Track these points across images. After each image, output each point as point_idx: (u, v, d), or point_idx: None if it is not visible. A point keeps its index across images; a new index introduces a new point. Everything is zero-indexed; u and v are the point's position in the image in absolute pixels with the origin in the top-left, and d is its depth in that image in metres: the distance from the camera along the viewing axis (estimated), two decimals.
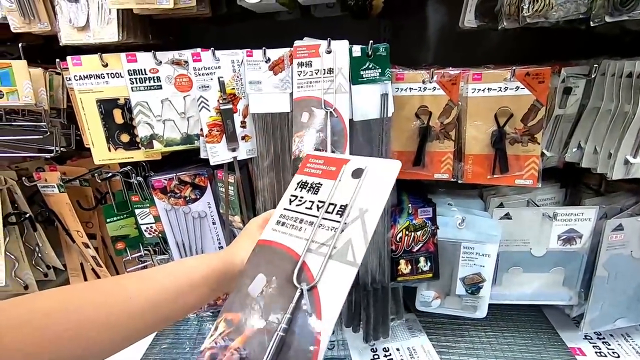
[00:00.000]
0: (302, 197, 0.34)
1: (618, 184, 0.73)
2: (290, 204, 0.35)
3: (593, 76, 0.60)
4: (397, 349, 0.73)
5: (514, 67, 0.58)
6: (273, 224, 0.34)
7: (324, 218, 0.31)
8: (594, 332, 0.74)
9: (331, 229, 0.30)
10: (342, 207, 0.31)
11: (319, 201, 0.33)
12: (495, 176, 0.64)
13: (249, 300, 0.30)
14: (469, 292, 0.69)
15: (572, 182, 0.80)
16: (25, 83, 0.65)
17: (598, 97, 0.63)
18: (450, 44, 0.91)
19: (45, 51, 0.71)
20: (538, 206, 0.70)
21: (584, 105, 0.64)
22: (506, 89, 0.60)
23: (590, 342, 0.73)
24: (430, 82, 0.62)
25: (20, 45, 0.65)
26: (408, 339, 0.75)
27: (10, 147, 0.73)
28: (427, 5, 0.89)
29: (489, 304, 0.72)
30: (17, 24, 0.65)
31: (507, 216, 0.68)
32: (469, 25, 0.65)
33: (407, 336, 0.76)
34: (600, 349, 0.71)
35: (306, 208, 0.33)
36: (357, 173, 0.33)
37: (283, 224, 0.34)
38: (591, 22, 0.54)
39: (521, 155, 0.62)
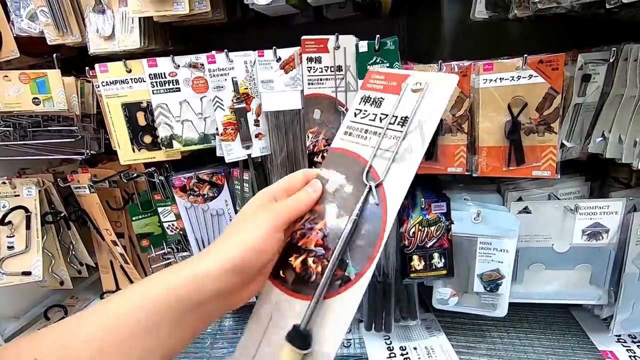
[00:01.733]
0: (366, 110, 0.39)
1: None
2: (355, 116, 0.39)
3: (611, 60, 0.57)
4: (415, 348, 0.72)
5: (525, 55, 0.57)
6: (341, 134, 0.39)
7: (387, 128, 0.36)
8: (628, 335, 0.70)
9: (394, 138, 0.35)
10: (403, 118, 0.36)
11: (382, 114, 0.37)
12: (511, 168, 0.62)
13: (328, 196, 0.37)
14: (487, 289, 0.67)
15: (600, 176, 0.76)
16: (58, 90, 0.70)
17: (621, 83, 0.60)
18: (467, 39, 0.90)
19: (79, 63, 0.76)
20: (560, 200, 0.67)
21: (606, 93, 0.62)
22: (519, 77, 0.59)
23: (624, 345, 0.68)
24: None
25: (54, 55, 0.70)
26: (426, 338, 0.74)
27: (46, 150, 0.80)
28: (441, 1, 0.89)
29: (512, 304, 0.69)
30: (52, 37, 0.71)
31: (526, 210, 0.65)
32: (480, 16, 0.65)
33: (425, 335, 0.75)
34: (634, 352, 0.67)
35: (370, 120, 0.38)
36: (416, 88, 0.37)
37: (350, 134, 0.39)
38: (606, 4, 0.52)
39: (537, 145, 0.60)
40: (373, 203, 0.34)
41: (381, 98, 0.38)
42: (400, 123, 0.36)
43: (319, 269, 0.35)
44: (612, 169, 0.74)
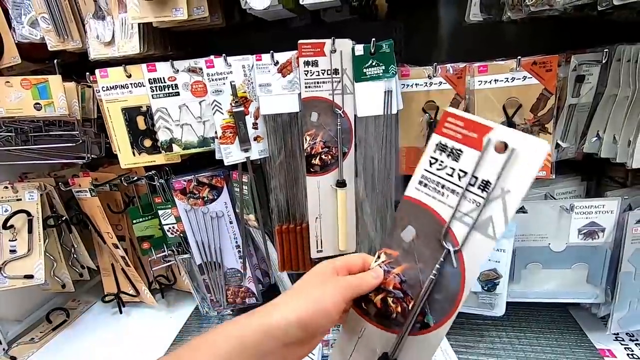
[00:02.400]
0: (442, 162, 0.36)
1: None
2: (430, 166, 0.37)
3: (604, 61, 0.58)
4: None
5: (519, 57, 0.58)
6: (415, 184, 0.37)
7: (467, 190, 0.34)
8: (626, 333, 0.70)
9: (473, 202, 0.34)
10: (484, 182, 0.33)
11: (460, 170, 0.34)
12: None
13: (403, 244, 0.38)
14: (485, 288, 0.67)
15: (596, 175, 0.77)
16: (60, 96, 0.71)
17: (614, 84, 0.60)
18: (463, 41, 0.90)
19: (80, 68, 0.77)
20: (555, 200, 0.68)
21: (600, 93, 0.62)
22: (513, 79, 0.59)
23: (622, 344, 0.69)
24: (436, 77, 0.63)
25: (55, 61, 0.72)
26: None
27: (48, 155, 0.81)
28: (437, 3, 0.90)
29: (510, 303, 0.70)
30: (53, 43, 0.72)
31: (522, 210, 0.66)
32: (475, 19, 0.66)
33: None
34: (632, 350, 0.67)
35: (447, 174, 0.35)
36: (501, 147, 0.32)
37: (425, 185, 0.37)
38: (598, 7, 0.53)
39: None
40: (451, 265, 0.35)
41: (459, 150, 0.35)
42: (481, 187, 0.33)
43: (399, 309, 0.38)
44: (608, 169, 0.75)
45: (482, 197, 0.33)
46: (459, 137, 0.35)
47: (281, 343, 0.34)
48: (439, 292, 0.35)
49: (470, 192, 0.34)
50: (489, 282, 0.67)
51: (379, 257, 0.40)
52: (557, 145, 0.64)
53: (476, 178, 0.33)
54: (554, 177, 0.61)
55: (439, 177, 0.36)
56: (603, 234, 0.64)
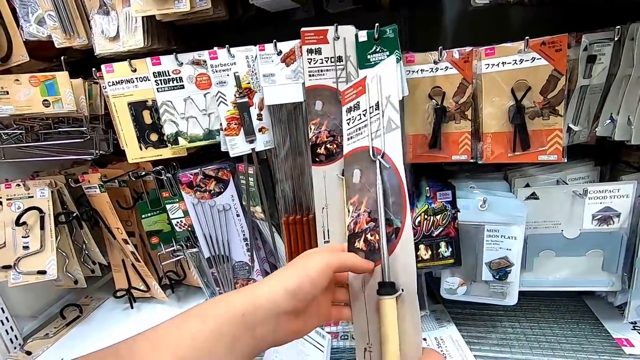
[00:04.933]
0: (352, 116, 0.51)
1: None
2: (348, 125, 0.52)
3: (616, 39, 0.56)
4: (424, 339, 0.71)
5: (527, 37, 0.56)
6: (346, 142, 0.52)
7: (370, 116, 0.48)
8: None
9: (377, 120, 0.47)
10: (376, 103, 0.47)
11: (363, 110, 0.49)
12: (516, 154, 0.61)
13: (356, 186, 0.48)
14: (496, 277, 0.66)
15: (610, 160, 0.74)
16: (67, 92, 0.72)
17: (628, 63, 0.58)
18: (470, 27, 0.89)
19: (87, 65, 0.78)
20: (568, 185, 0.66)
21: (612, 74, 0.60)
22: (522, 61, 0.58)
23: None
24: (441, 62, 0.61)
25: (62, 58, 0.72)
26: (436, 329, 0.73)
27: (57, 152, 0.82)
28: None
29: (523, 292, 0.68)
30: (60, 40, 0.73)
31: (534, 196, 0.64)
32: (481, 1, 0.64)
33: (434, 326, 0.74)
34: None
35: (358, 121, 0.50)
36: (374, 80, 0.48)
37: (351, 137, 0.51)
38: None
39: (543, 129, 0.59)
40: (386, 168, 0.44)
41: (357, 102, 0.50)
42: (375, 107, 0.47)
43: (377, 237, 0.44)
44: (623, 153, 0.73)
45: (378, 112, 0.46)
46: (353, 96, 0.52)
47: (271, 313, 0.35)
48: (390, 195, 0.44)
49: (372, 115, 0.47)
50: (500, 270, 0.65)
51: (348, 211, 0.47)
52: (569, 129, 0.62)
53: (371, 106, 0.48)
54: (565, 160, 0.59)
55: (355, 126, 0.50)
56: (618, 219, 0.62)
